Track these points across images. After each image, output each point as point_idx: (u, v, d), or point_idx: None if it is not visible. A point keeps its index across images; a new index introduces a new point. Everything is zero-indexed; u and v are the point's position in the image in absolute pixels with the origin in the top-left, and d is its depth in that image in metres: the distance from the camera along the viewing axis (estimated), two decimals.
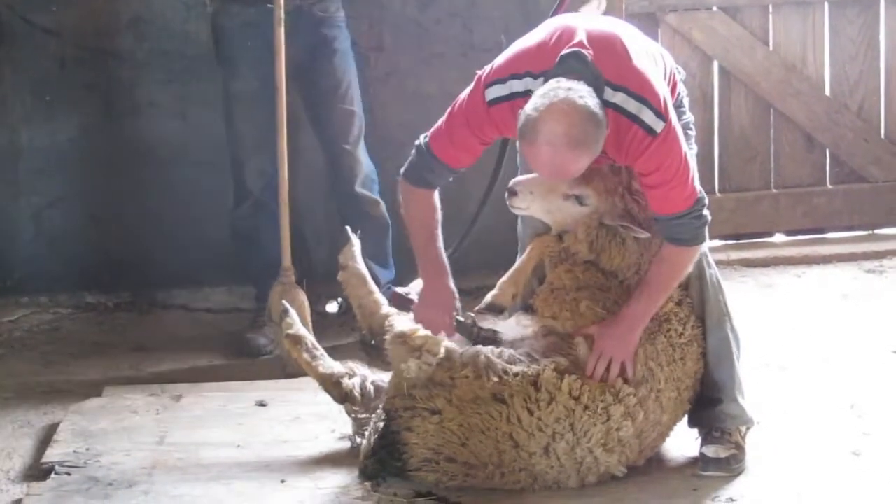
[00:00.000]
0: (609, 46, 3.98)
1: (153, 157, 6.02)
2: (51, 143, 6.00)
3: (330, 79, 5.49)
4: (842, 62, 6.54)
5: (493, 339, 4.21)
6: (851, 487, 4.14)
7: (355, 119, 5.54)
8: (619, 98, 3.92)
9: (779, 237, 6.66)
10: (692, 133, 4.34)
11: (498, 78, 4.05)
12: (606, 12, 5.63)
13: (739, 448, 4.30)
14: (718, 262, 6.23)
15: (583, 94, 3.83)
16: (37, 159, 6.00)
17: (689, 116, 4.32)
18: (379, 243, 5.58)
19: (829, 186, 6.60)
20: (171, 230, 6.04)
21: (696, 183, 4.08)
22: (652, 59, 4.09)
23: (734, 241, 6.60)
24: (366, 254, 5.53)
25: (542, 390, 4.06)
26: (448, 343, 4.14)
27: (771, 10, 6.47)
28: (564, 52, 3.94)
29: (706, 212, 4.10)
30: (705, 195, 4.11)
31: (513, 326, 4.33)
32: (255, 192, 5.53)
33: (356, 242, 4.58)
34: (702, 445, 4.32)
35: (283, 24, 5.18)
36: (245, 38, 5.37)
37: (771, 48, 6.47)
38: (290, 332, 4.52)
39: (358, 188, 5.56)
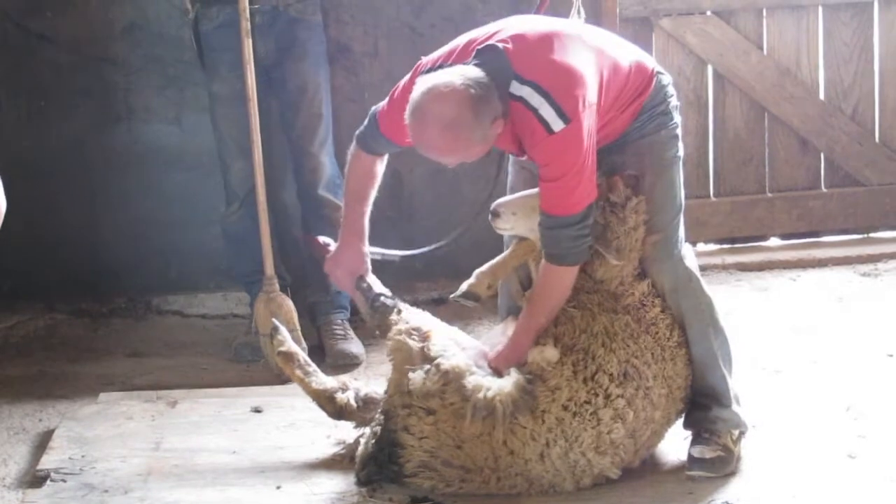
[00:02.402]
0: (536, 43, 4.05)
1: (148, 162, 6.02)
2: (46, 148, 5.99)
3: (298, 80, 5.52)
4: (836, 66, 6.54)
5: (388, 308, 4.34)
6: (847, 490, 4.15)
7: (321, 123, 5.56)
8: (525, 92, 3.99)
9: (774, 241, 6.65)
10: (679, 136, 4.34)
11: (429, 68, 4.15)
12: (601, 18, 5.66)
13: (727, 450, 4.30)
14: (713, 266, 6.29)
15: (470, 81, 3.93)
16: (32, 165, 6.00)
17: (674, 121, 4.31)
18: None
19: (824, 190, 6.60)
20: (166, 236, 6.04)
21: (588, 199, 4.06)
22: (593, 56, 4.07)
23: (729, 245, 6.60)
24: (322, 258, 5.57)
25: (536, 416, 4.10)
26: (465, 364, 4.14)
27: (765, 14, 6.46)
28: (480, 45, 4.05)
29: (585, 231, 4.09)
30: (591, 216, 4.09)
31: (498, 335, 4.39)
32: (242, 194, 5.53)
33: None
34: (690, 446, 4.34)
35: (249, 35, 5.23)
36: (224, 39, 5.39)
37: (765, 52, 6.47)
38: (282, 349, 4.55)
39: (321, 191, 5.58)
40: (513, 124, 4.04)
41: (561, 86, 3.98)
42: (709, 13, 6.42)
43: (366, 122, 4.36)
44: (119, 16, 5.94)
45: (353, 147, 4.41)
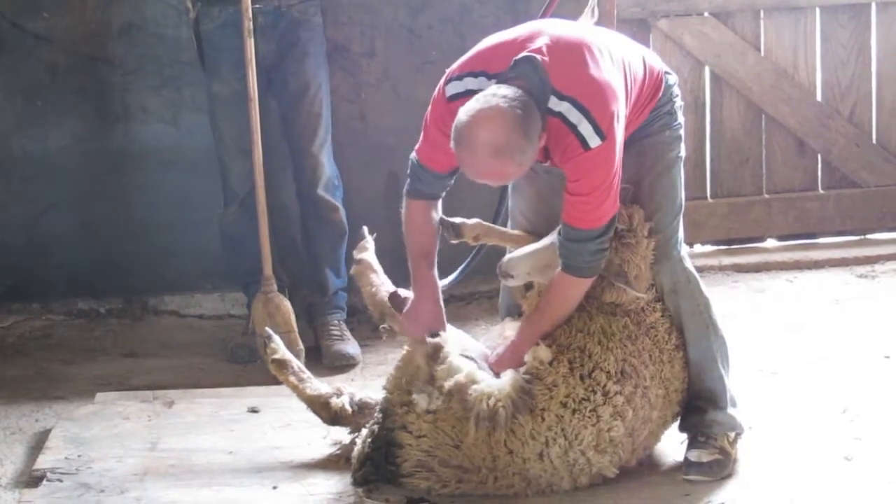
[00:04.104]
0: (569, 54, 3.99)
1: (145, 162, 6.02)
2: (42, 149, 5.99)
3: (299, 80, 5.52)
4: (833, 67, 6.54)
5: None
6: (843, 492, 4.15)
7: (321, 122, 5.56)
8: (563, 107, 3.94)
9: (771, 242, 6.65)
10: (682, 137, 4.33)
11: (457, 75, 4.09)
12: (598, 19, 5.65)
13: (724, 453, 4.30)
14: (710, 268, 6.29)
15: (514, 102, 3.86)
16: (28, 166, 6.00)
17: (678, 121, 4.31)
18: (334, 249, 5.61)
19: (821, 191, 6.61)
20: (162, 236, 6.04)
21: (611, 213, 4.05)
22: (620, 67, 4.05)
23: (726, 247, 6.60)
24: (320, 258, 5.59)
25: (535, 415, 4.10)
26: (467, 376, 4.13)
27: (762, 15, 6.47)
28: (518, 56, 3.98)
29: (605, 245, 4.09)
30: (612, 229, 4.08)
31: (495, 337, 4.39)
32: (241, 195, 5.54)
33: (370, 240, 4.63)
34: (687, 450, 4.34)
35: (251, 34, 5.24)
36: (225, 38, 5.41)
37: (762, 53, 6.47)
38: (276, 356, 4.55)
39: (320, 191, 5.58)
40: (545, 135, 4.00)
41: (597, 101, 3.94)
42: (706, 14, 6.42)
43: (408, 173, 4.26)
44: (116, 16, 5.94)
45: (403, 203, 4.29)
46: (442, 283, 4.43)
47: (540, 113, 3.92)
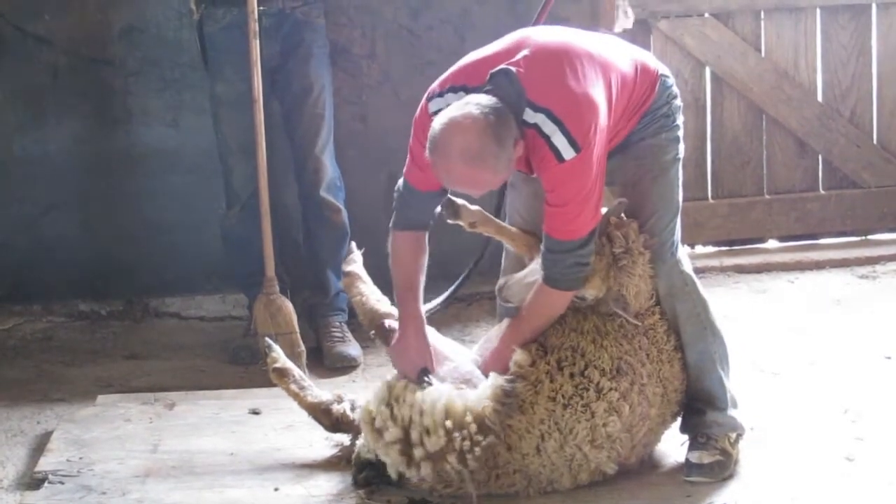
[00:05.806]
0: (547, 66, 4.01)
1: (146, 164, 6.02)
2: (43, 151, 6.00)
3: (303, 81, 5.52)
4: (834, 68, 6.54)
5: None
6: (845, 493, 4.15)
7: (324, 124, 5.57)
8: (538, 119, 3.96)
9: (772, 243, 6.66)
10: (680, 138, 4.33)
11: (439, 92, 4.12)
12: (598, 20, 5.67)
13: (725, 454, 4.30)
14: (711, 268, 6.30)
15: (487, 109, 3.88)
16: (29, 167, 6.00)
17: (676, 123, 4.29)
18: (336, 251, 5.61)
19: (822, 192, 6.61)
20: (164, 238, 6.04)
21: (591, 224, 4.05)
22: (603, 76, 4.04)
23: (727, 248, 6.60)
24: (322, 259, 5.60)
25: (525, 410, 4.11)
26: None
27: (763, 16, 6.47)
28: (494, 69, 4.00)
29: (585, 260, 4.09)
30: (592, 242, 4.09)
31: (492, 338, 4.39)
32: (244, 196, 5.54)
33: (358, 255, 4.67)
34: (688, 451, 4.34)
35: (257, 36, 5.25)
36: (228, 40, 5.40)
37: (763, 54, 6.47)
38: (277, 366, 4.57)
39: (323, 192, 5.58)
40: (524, 147, 4.01)
41: (573, 113, 3.95)
42: (707, 15, 6.42)
43: (394, 203, 4.27)
44: (117, 18, 5.94)
45: (390, 237, 4.29)
46: (427, 306, 4.42)
47: (516, 123, 3.94)
